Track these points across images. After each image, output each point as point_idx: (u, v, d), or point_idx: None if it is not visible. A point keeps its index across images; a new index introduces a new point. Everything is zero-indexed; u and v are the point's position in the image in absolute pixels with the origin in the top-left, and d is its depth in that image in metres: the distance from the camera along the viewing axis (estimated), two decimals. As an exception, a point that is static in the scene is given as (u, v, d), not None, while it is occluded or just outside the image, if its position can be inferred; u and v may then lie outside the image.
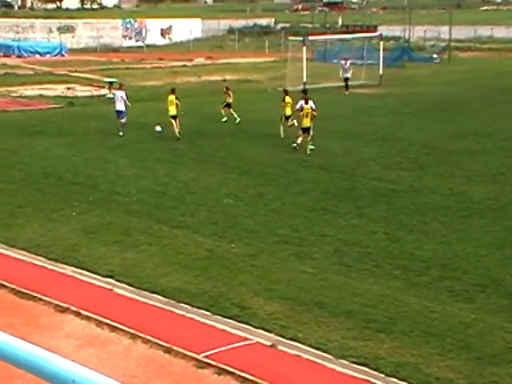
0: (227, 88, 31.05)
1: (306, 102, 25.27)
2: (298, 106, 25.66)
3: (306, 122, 24.97)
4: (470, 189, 20.31)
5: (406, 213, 17.93)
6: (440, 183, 20.89)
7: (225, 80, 30.26)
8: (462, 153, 24.99)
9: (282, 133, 27.00)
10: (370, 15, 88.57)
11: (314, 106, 25.20)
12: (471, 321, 11.84)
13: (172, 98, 27.59)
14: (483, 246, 15.51)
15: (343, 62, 42.86)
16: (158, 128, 27.37)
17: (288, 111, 27.37)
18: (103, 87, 40.63)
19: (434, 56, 62.29)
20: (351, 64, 42.69)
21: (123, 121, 27.77)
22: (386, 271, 13.98)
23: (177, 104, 27.58)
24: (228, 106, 30.38)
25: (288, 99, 27.69)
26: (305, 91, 27.01)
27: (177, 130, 27.09)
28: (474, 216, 17.78)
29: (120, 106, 27.75)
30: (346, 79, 41.61)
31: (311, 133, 24.94)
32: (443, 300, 12.63)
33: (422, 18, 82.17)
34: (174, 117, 27.35)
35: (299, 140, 24.88)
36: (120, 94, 28.08)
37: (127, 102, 28.00)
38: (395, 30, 71.69)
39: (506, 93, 34.29)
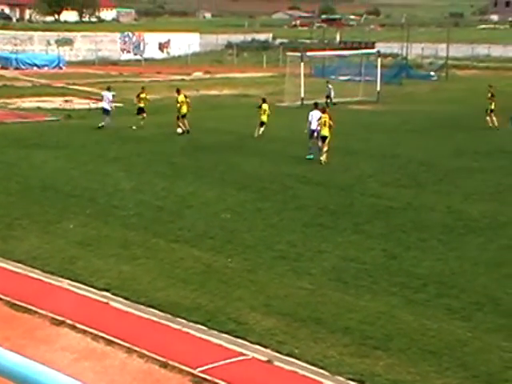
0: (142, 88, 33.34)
1: (324, 112, 25.91)
2: (310, 119, 26.10)
3: (325, 132, 25.32)
4: (468, 207, 20.33)
5: (403, 230, 17.92)
6: (438, 201, 20.90)
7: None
8: (460, 170, 25.04)
9: (256, 133, 29.83)
10: (368, 32, 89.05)
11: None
12: (468, 339, 11.80)
13: (182, 97, 29.71)
14: (481, 263, 15.50)
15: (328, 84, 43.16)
16: (180, 130, 30.49)
17: (264, 118, 29.94)
18: (101, 100, 40.63)
19: (432, 74, 62.57)
20: (331, 87, 42.81)
21: (108, 119, 31.31)
22: (384, 288, 13.95)
23: (188, 102, 30.84)
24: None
25: (265, 106, 30.15)
26: (316, 104, 27.51)
27: (186, 128, 30.54)
28: (471, 234, 17.77)
29: (105, 106, 31.49)
30: (328, 96, 41.84)
31: (326, 143, 25.33)
32: (440, 318, 12.60)
33: (419, 36, 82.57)
34: (184, 116, 30.52)
35: (324, 156, 25.18)
36: (107, 95, 31.69)
37: (112, 104, 31.86)
38: (393, 47, 72.04)
39: (504, 111, 34.38)
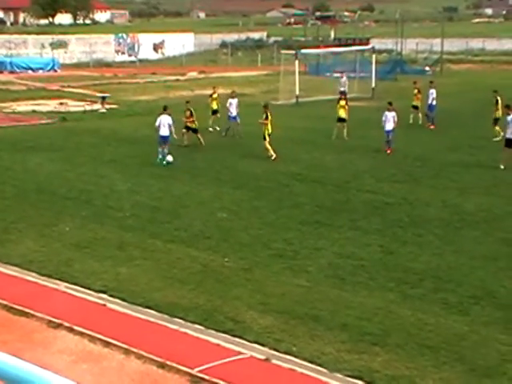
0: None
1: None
2: (159, 124, 24.95)
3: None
4: (464, 201, 20.35)
5: (400, 225, 17.94)
6: (434, 195, 20.92)
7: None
8: (456, 165, 25.07)
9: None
10: (363, 28, 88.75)
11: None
12: (465, 333, 11.82)
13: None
14: (477, 257, 15.52)
15: (340, 76, 42.39)
16: (170, 158, 25.11)
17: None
18: (96, 102, 40.62)
19: (427, 68, 62.50)
20: (345, 81, 42.18)
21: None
22: (381, 284, 13.96)
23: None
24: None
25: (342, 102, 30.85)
26: (165, 107, 25.66)
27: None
28: (467, 228, 17.79)
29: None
30: (342, 93, 40.61)
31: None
32: (437, 312, 12.62)
33: (414, 31, 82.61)
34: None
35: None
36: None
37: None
38: (387, 43, 71.93)
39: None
